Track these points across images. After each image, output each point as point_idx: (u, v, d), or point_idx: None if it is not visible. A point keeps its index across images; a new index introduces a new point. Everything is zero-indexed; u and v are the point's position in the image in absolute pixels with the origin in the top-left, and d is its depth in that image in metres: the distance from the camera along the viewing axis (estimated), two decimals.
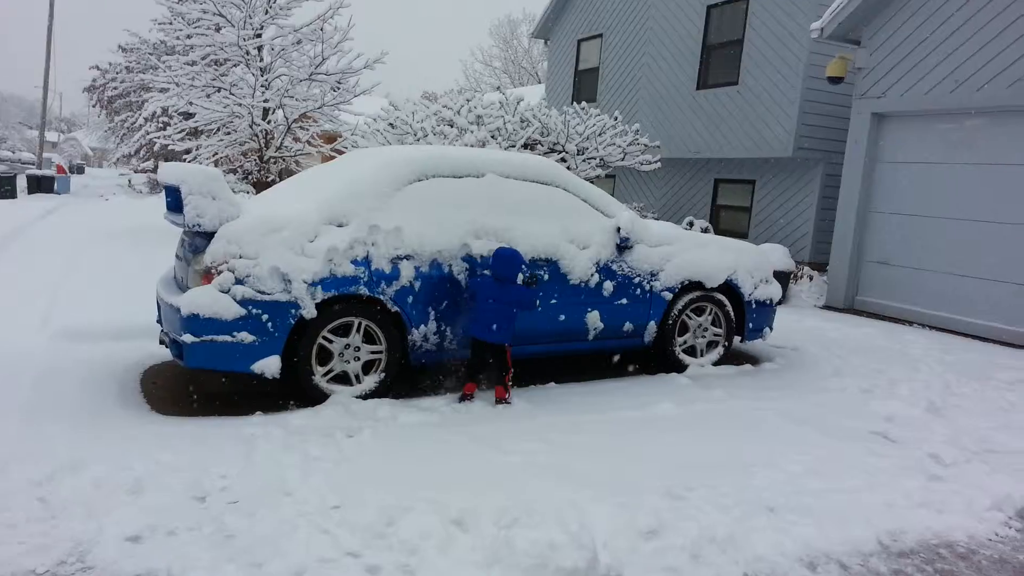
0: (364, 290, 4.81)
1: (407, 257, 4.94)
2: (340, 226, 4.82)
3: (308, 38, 14.27)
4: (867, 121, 9.40)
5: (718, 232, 13.79)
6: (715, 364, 6.09)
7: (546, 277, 5.38)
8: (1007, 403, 5.39)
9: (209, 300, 4.45)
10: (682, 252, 5.89)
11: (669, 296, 5.85)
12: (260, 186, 14.64)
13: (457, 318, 5.15)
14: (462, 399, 4.97)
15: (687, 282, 5.91)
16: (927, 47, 8.70)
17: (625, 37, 15.94)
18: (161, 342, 5.15)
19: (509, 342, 5.02)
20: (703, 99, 13.92)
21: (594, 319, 5.61)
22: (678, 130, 14.35)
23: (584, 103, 13.06)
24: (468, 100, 12.09)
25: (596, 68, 17.01)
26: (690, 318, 6.03)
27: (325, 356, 4.84)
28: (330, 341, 4.81)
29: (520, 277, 5.04)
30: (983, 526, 3.37)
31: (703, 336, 6.10)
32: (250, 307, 4.51)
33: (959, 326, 8.40)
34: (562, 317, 5.50)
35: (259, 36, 13.90)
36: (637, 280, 5.74)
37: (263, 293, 4.54)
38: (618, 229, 5.63)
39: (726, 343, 6.19)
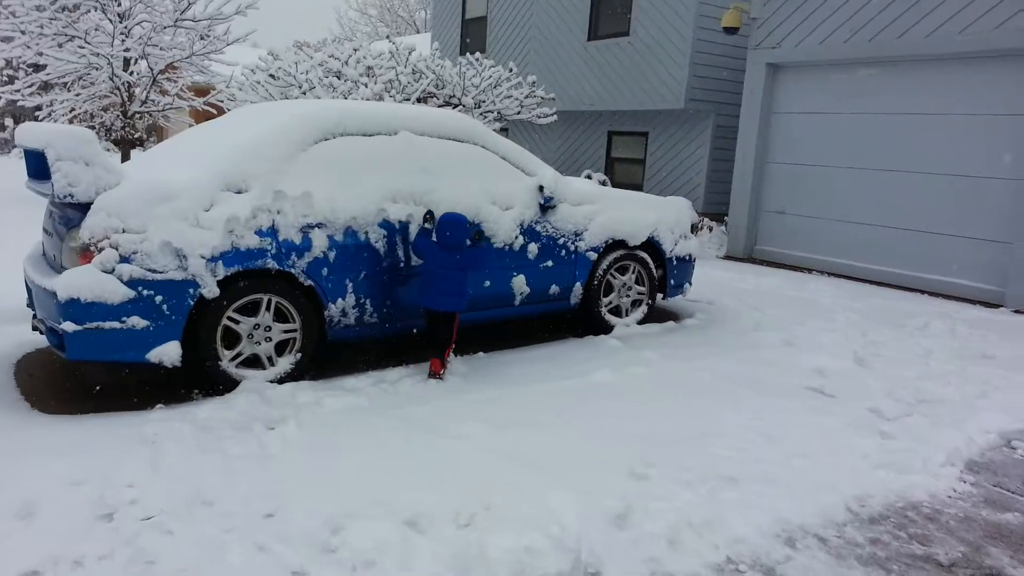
0: (272, 263, 4.31)
1: (319, 225, 4.47)
2: (239, 192, 4.28)
3: None
4: (762, 72, 9.46)
5: (615, 185, 13.75)
6: (640, 323, 5.96)
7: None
8: (923, 350, 5.53)
9: (90, 282, 3.85)
10: (605, 210, 5.67)
11: (594, 256, 5.63)
12: (124, 144, 13.39)
13: (377, 290, 4.73)
14: (431, 377, 4.61)
15: (611, 241, 5.70)
16: None
17: None
18: (35, 328, 4.49)
19: (463, 309, 4.71)
20: (595, 50, 13.70)
21: (520, 283, 5.32)
22: (571, 82, 14.10)
23: (477, 54, 12.58)
24: (356, 50, 11.38)
25: (484, 17, 16.45)
26: (614, 278, 5.84)
27: (232, 339, 4.33)
28: (236, 322, 4.31)
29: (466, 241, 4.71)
30: (941, 483, 3.36)
31: (627, 295, 5.94)
32: (140, 288, 3.95)
33: (857, 272, 8.67)
34: (487, 283, 5.17)
35: None
36: (562, 241, 5.48)
37: (155, 272, 3.98)
38: (540, 188, 5.33)
39: (649, 301, 6.06)
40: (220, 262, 4.13)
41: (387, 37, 11.65)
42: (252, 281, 4.30)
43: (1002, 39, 7.23)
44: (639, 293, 6.00)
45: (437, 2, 18.05)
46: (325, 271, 4.51)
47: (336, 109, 4.76)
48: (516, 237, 5.24)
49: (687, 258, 6.25)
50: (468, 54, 12.98)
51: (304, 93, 10.70)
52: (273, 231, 4.32)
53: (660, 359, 5.02)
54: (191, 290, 4.07)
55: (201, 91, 15.17)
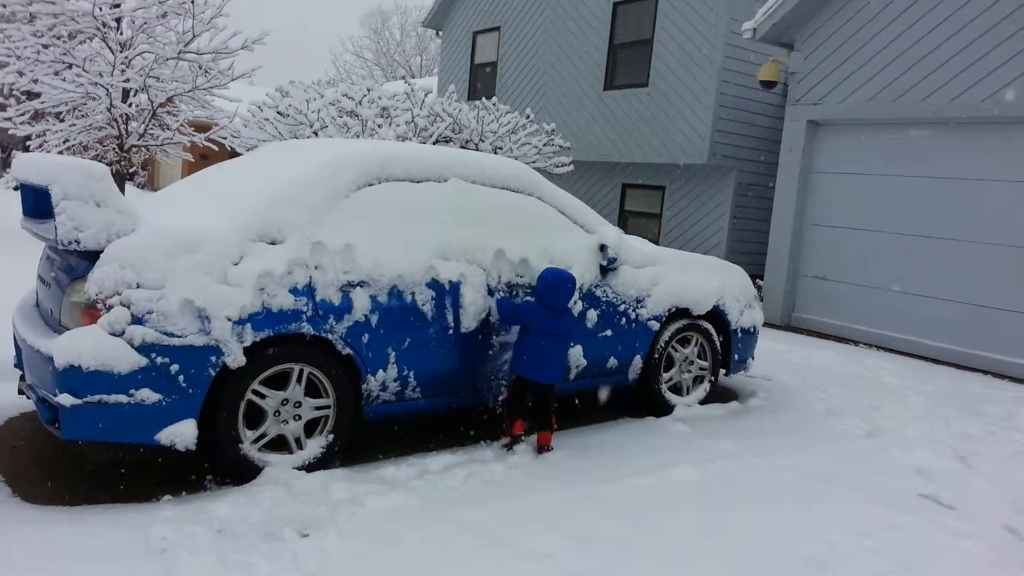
0: (307, 327, 3.67)
1: (360, 284, 3.84)
2: (273, 243, 3.66)
3: (175, 11, 12.53)
4: (802, 129, 9.03)
5: None
6: (701, 403, 5.33)
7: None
8: (1021, 446, 4.93)
9: (95, 346, 3.20)
10: (668, 274, 5.08)
11: (656, 326, 5.02)
12: (118, 178, 12.74)
13: (423, 360, 4.09)
14: (511, 444, 4.23)
15: (674, 309, 5.10)
16: (869, 51, 8.38)
17: (525, 32, 15.14)
18: (21, 392, 3.81)
19: (560, 380, 4.35)
20: (611, 100, 13.32)
21: (577, 355, 4.70)
22: (584, 131, 13.68)
23: (493, 99, 12.14)
24: (370, 90, 10.89)
25: (494, 63, 16.11)
26: (676, 350, 5.23)
27: (255, 416, 3.67)
28: (262, 396, 3.65)
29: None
30: None
31: (688, 371, 5.32)
32: (154, 355, 3.29)
33: (906, 346, 8.12)
34: None
35: (117, 7, 12.04)
36: (623, 308, 4.88)
37: (172, 336, 3.32)
38: (602, 247, 4.74)
39: (712, 378, 5.44)
40: (249, 325, 3.49)
41: (403, 78, 11.22)
42: (283, 348, 3.65)
43: None
44: (701, 368, 5.38)
45: (445, 46, 17.74)
46: (366, 337, 3.87)
47: (382, 151, 4.17)
48: (575, 302, 4.63)
49: (751, 330, 5.66)
50: (477, 99, 12.53)
51: (316, 132, 10.15)
52: (310, 290, 3.69)
53: (738, 452, 4.38)
54: (213, 358, 3.42)
55: (201, 127, 14.61)
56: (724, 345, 5.48)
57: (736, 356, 5.57)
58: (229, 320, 3.44)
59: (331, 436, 3.86)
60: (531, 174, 4.68)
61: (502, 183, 4.52)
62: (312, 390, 3.82)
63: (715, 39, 11.35)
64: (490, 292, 4.26)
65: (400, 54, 44.89)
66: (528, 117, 11.82)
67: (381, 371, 3.96)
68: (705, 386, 5.40)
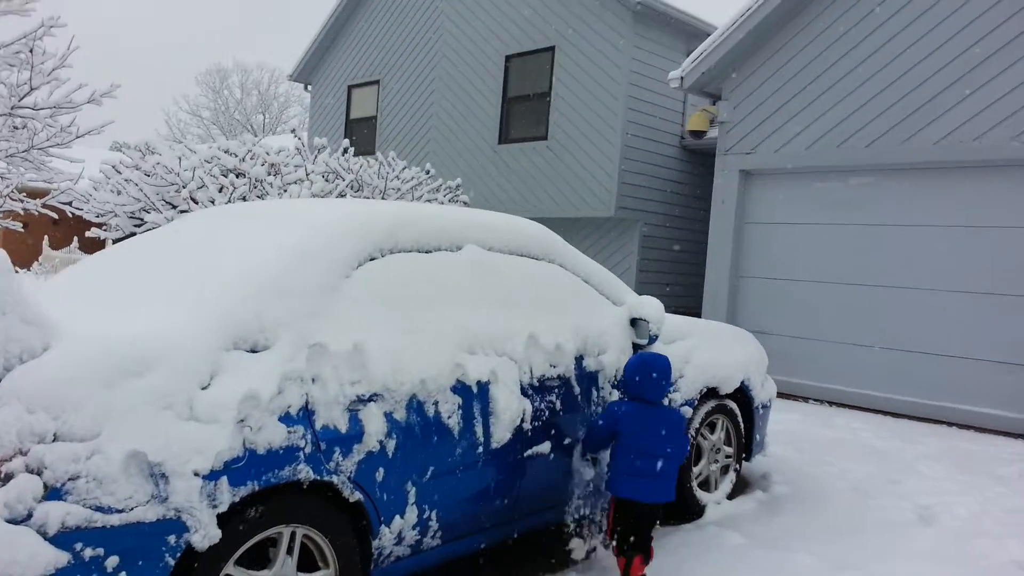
0: (305, 470, 2.53)
1: (372, 398, 2.74)
2: (254, 351, 2.51)
3: (8, 62, 10.69)
4: (735, 179, 8.65)
5: None
6: (729, 497, 4.51)
7: (559, 406, 3.45)
8: None
9: None
10: (698, 349, 4.26)
11: (688, 412, 4.17)
12: None
13: (446, 492, 3.01)
14: None
15: (705, 390, 4.28)
16: (805, 99, 8.12)
17: (409, 85, 14.28)
18: None
19: (674, 496, 3.34)
20: (507, 154, 12.66)
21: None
22: (480, 187, 12.90)
23: (365, 157, 11.14)
24: (254, 145, 9.58)
25: (374, 117, 15.10)
26: (704, 438, 4.40)
27: None
28: None
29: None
30: None
31: (715, 460, 4.49)
32: (81, 546, 2.07)
33: (860, 400, 7.75)
34: (576, 464, 3.57)
35: None
36: None
37: (110, 512, 2.11)
38: (634, 322, 3.87)
39: (737, 467, 4.65)
40: (225, 479, 2.32)
41: (292, 131, 9.94)
42: (269, 506, 2.48)
43: (1020, 150, 6.77)
44: (727, 456, 4.57)
45: (315, 101, 16.55)
46: (380, 473, 2.76)
47: (387, 212, 3.12)
48: (611, 394, 3.71)
49: (768, 404, 4.93)
50: (355, 156, 11.46)
51: (192, 198, 8.71)
52: (307, 414, 2.55)
53: (824, 567, 3.57)
54: (172, 538, 2.22)
55: (34, 193, 12.54)
56: (746, 426, 4.72)
57: (758, 437, 4.82)
58: (197, 476, 2.25)
59: None
60: (551, 236, 3.76)
61: (521, 249, 3.56)
62: (307, 559, 2.65)
63: (617, 92, 10.99)
64: (523, 391, 3.26)
65: (241, 112, 42.79)
66: (428, 172, 10.90)
67: (398, 517, 2.85)
68: (731, 477, 4.59)
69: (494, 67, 12.76)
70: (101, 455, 2.11)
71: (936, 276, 7.39)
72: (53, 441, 2.07)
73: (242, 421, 2.37)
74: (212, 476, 2.28)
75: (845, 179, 8.00)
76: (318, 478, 2.56)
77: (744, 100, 8.64)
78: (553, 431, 3.41)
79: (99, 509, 2.10)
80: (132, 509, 2.15)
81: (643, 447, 3.24)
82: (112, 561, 2.12)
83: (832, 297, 8.04)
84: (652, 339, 3.82)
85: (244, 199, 8.61)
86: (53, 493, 2.04)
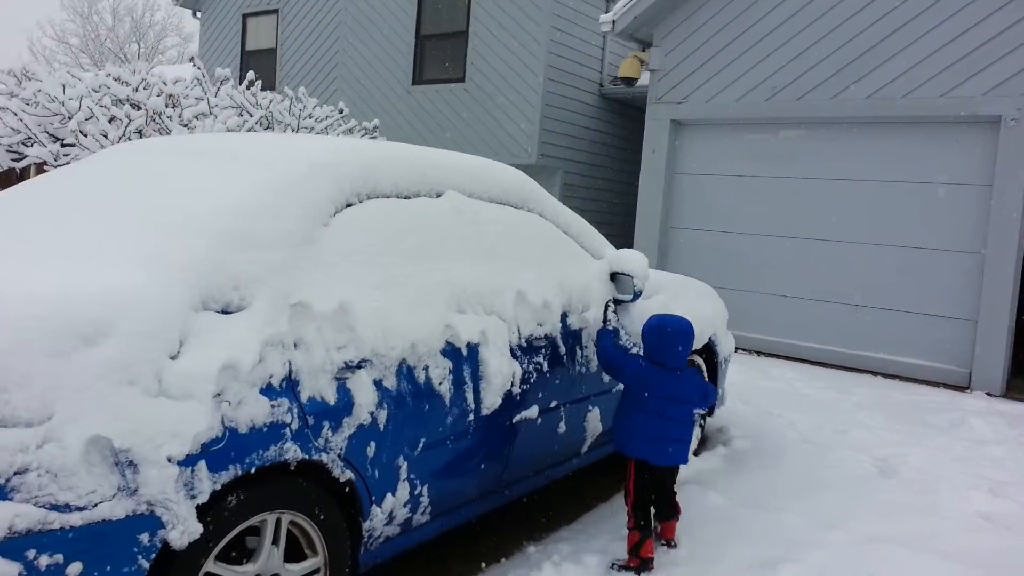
0: (293, 449, 2.18)
1: (361, 364, 2.40)
2: (227, 311, 2.12)
3: None
4: (665, 128, 8.52)
5: None
6: (695, 453, 4.42)
7: (545, 368, 3.19)
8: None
9: None
10: (671, 305, 4.08)
11: None
12: None
13: (437, 464, 2.72)
14: (641, 569, 3.05)
15: None
16: (737, 49, 8.02)
17: (312, 17, 13.40)
18: None
19: (686, 459, 3.25)
20: (422, 96, 12.14)
21: (594, 420, 3.56)
22: (394, 130, 12.32)
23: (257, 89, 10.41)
24: (147, 73, 8.68)
25: (273, 50, 14.14)
26: None
27: None
28: None
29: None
30: None
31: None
32: (33, 553, 1.68)
33: (786, 349, 7.88)
34: (562, 428, 3.35)
35: None
36: (635, 351, 3.81)
37: (67, 510, 1.72)
38: (613, 276, 3.64)
39: (702, 423, 4.55)
40: (203, 464, 1.95)
41: (191, 60, 9.05)
42: (252, 492, 2.12)
43: (950, 107, 6.89)
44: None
45: (205, 29, 15.34)
46: (371, 448, 2.44)
47: (358, 152, 2.72)
48: (594, 353, 3.49)
49: (728, 358, 4.84)
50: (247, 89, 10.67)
51: (81, 129, 7.80)
52: (291, 386, 2.20)
53: (807, 526, 3.51)
54: (146, 536, 1.85)
55: None
56: (711, 380, 4.61)
57: (720, 391, 4.73)
58: (172, 462, 1.87)
59: None
60: (531, 183, 3.45)
61: (502, 196, 3.24)
62: (293, 546, 2.31)
63: (539, 35, 10.66)
64: (511, 353, 2.98)
65: (113, 41, 39.63)
66: (341, 112, 10.27)
67: (390, 495, 2.54)
68: (697, 433, 4.48)
69: (407, 4, 12.12)
70: (55, 443, 1.71)
71: (862, 229, 7.53)
72: None
73: (219, 395, 1.99)
74: (188, 462, 1.91)
75: (775, 131, 8.00)
76: (306, 457, 2.22)
77: (676, 48, 8.47)
78: (541, 394, 3.15)
79: (55, 508, 1.70)
80: (96, 505, 1.76)
81: (661, 410, 3.07)
82: (74, 569, 1.74)
83: (762, 249, 8.09)
84: (636, 295, 3.60)
85: (140, 134, 7.83)
86: None
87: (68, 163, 7.52)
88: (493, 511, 3.24)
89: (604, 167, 12.05)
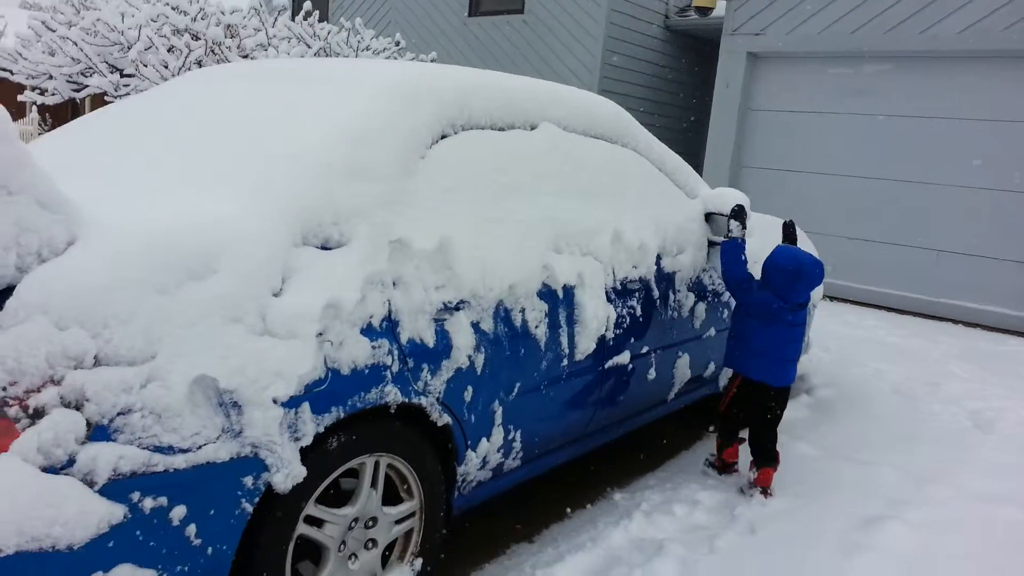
0: (393, 392, 2.08)
1: (459, 306, 2.27)
2: (326, 247, 2.00)
3: None
4: (742, 61, 8.11)
5: None
6: None
7: (638, 312, 3.03)
8: None
9: (12, 499, 1.47)
10: (765, 246, 3.85)
11: None
12: None
13: (531, 409, 2.61)
14: (724, 470, 3.39)
15: None
16: None
17: None
18: None
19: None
20: (478, 28, 11.77)
21: (683, 367, 3.41)
22: (450, 64, 12.00)
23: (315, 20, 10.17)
24: (203, 4, 8.52)
25: None
26: None
27: (304, 558, 2.07)
28: (319, 524, 2.03)
29: None
30: None
31: None
32: (138, 496, 1.61)
33: (864, 296, 7.58)
34: (651, 374, 3.20)
35: None
36: (725, 297, 3.63)
37: (172, 452, 1.64)
38: (708, 217, 3.44)
39: None
40: (307, 406, 1.86)
41: None
42: (351, 434, 2.03)
43: None
44: None
45: None
46: (469, 392, 2.33)
47: (452, 79, 2.54)
48: (688, 297, 3.32)
49: (816, 305, 4.62)
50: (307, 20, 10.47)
51: (141, 60, 7.70)
52: (391, 326, 2.08)
53: (914, 484, 3.33)
54: (250, 479, 1.77)
55: None
56: None
57: (809, 335, 4.54)
58: (276, 403, 1.78)
59: (419, 561, 2.31)
60: (627, 117, 3.25)
61: (597, 130, 3.04)
62: (389, 490, 2.24)
63: None
64: (606, 296, 2.83)
65: None
66: (398, 44, 10.02)
67: (484, 440, 2.44)
68: None
69: None
70: (159, 382, 1.62)
71: (950, 172, 7.11)
72: (94, 366, 1.56)
73: (321, 335, 1.89)
74: (292, 403, 1.82)
75: (860, 66, 7.54)
76: (406, 400, 2.11)
77: None
78: (633, 340, 3.00)
79: (159, 450, 1.63)
80: (200, 448, 1.68)
81: (781, 339, 3.15)
82: (178, 512, 1.67)
83: (839, 190, 7.73)
84: (737, 240, 3.39)
85: (200, 64, 7.72)
86: (99, 432, 1.56)
87: (128, 94, 7.47)
88: (578, 458, 3.13)
89: (669, 104, 11.62)
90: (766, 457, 3.21)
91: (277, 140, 2.14)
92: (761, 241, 3.83)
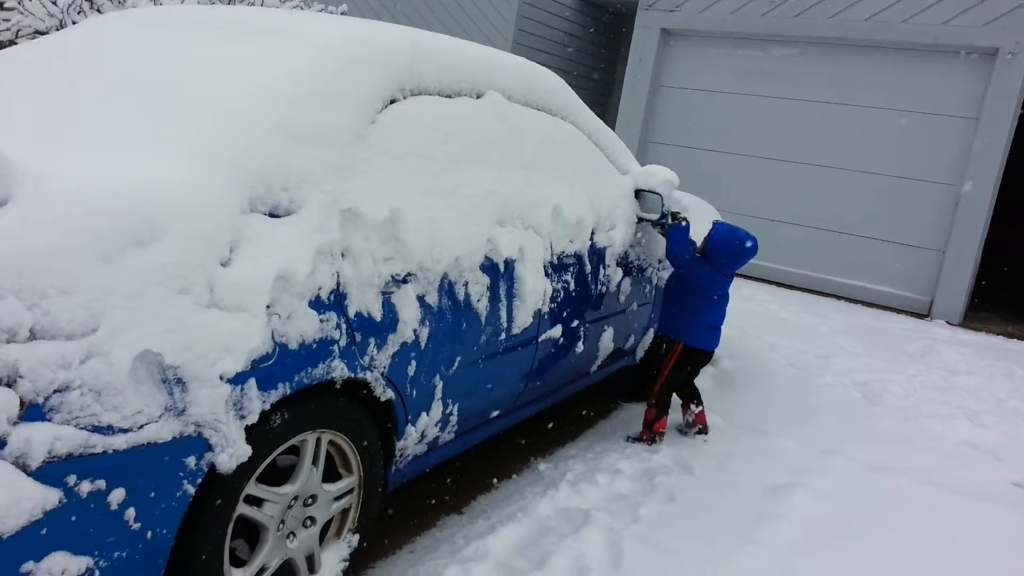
0: (340, 367, 2.01)
1: (406, 279, 2.21)
2: (274, 215, 1.89)
3: None
4: (655, 38, 8.20)
5: None
6: None
7: (572, 287, 3.05)
8: (995, 399, 4.72)
9: None
10: (692, 224, 3.96)
11: None
12: None
13: (468, 382, 2.59)
14: (651, 441, 3.52)
15: None
16: None
17: None
18: None
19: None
20: None
21: (607, 340, 3.47)
22: (356, 16, 11.61)
23: None
24: None
25: None
26: None
27: (242, 537, 1.99)
28: (259, 503, 1.95)
29: None
30: None
31: None
32: (75, 479, 1.49)
33: (759, 271, 7.91)
34: (580, 347, 3.24)
35: None
36: (648, 272, 3.71)
37: (111, 432, 1.53)
38: (638, 194, 3.49)
39: None
40: (253, 383, 1.77)
41: None
42: (295, 410, 1.96)
43: (949, 35, 6.79)
44: None
45: None
46: (412, 367, 2.29)
47: (402, 40, 2.43)
48: (614, 272, 3.36)
49: None
50: None
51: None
52: (339, 299, 2.01)
53: (815, 454, 3.55)
54: (192, 460, 1.68)
55: None
56: None
57: None
58: (223, 380, 1.69)
59: (355, 537, 2.28)
60: (567, 88, 3.22)
61: (539, 101, 2.99)
62: (328, 466, 2.17)
63: None
64: (543, 270, 2.83)
65: None
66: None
67: (424, 415, 2.41)
68: None
69: None
70: (100, 358, 1.50)
71: (846, 155, 7.49)
72: (29, 339, 1.43)
73: (272, 310, 1.80)
74: (238, 379, 1.73)
75: (769, 49, 7.79)
76: (352, 375, 2.05)
77: None
78: (565, 313, 3.02)
79: (98, 430, 1.51)
80: (142, 427, 1.57)
81: (717, 308, 3.48)
82: (117, 496, 1.56)
83: (742, 169, 8.01)
84: (664, 216, 3.46)
85: (92, 1, 7.13)
86: (33, 411, 1.43)
87: (7, 31, 6.81)
88: (506, 429, 3.15)
89: (581, 75, 11.64)
90: (697, 401, 3.65)
91: (220, 97, 2.00)
92: (691, 219, 3.93)
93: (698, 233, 3.96)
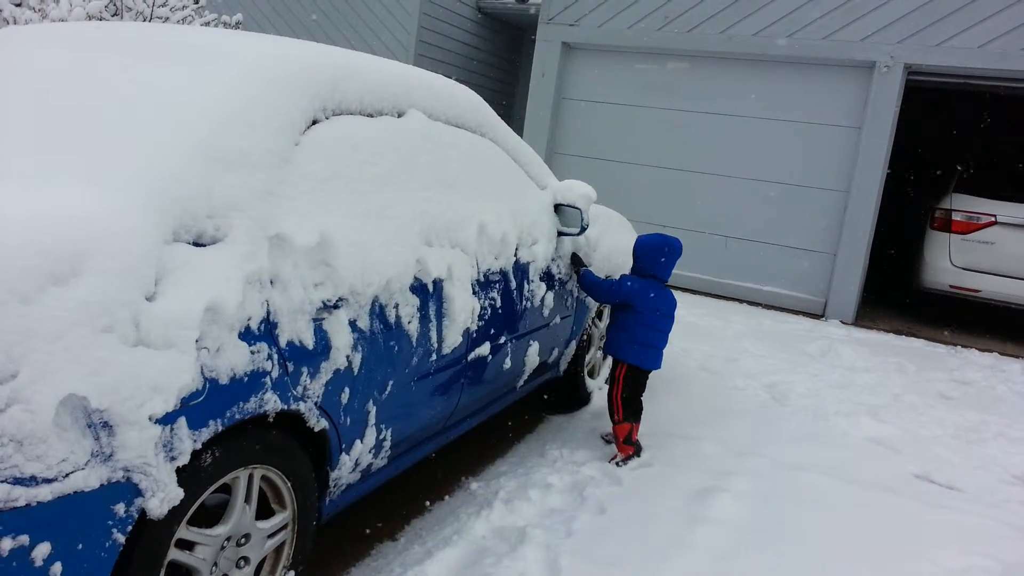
0: (274, 400, 1.94)
1: (338, 304, 2.16)
2: (199, 244, 1.81)
3: None
4: (556, 51, 8.32)
5: None
6: (606, 382, 4.47)
7: (498, 303, 3.05)
8: (892, 394, 4.98)
9: None
10: (604, 236, 4.04)
11: (592, 302, 3.98)
12: None
13: (401, 405, 2.55)
14: (636, 453, 3.54)
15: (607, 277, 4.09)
16: None
17: None
18: None
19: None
20: None
21: (533, 355, 3.47)
22: (249, 28, 11.29)
23: None
24: None
25: None
26: (595, 326, 4.26)
27: None
28: (190, 547, 1.86)
29: None
30: None
31: (599, 347, 4.41)
32: None
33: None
34: (507, 363, 3.24)
35: None
36: (570, 285, 3.74)
37: (35, 483, 1.43)
38: (558, 208, 3.53)
39: None
40: (183, 423, 1.69)
41: None
42: (227, 447, 1.88)
43: (830, 49, 7.17)
44: (603, 339, 4.48)
45: None
46: (345, 394, 2.23)
47: (323, 57, 2.37)
48: (539, 287, 3.38)
49: None
50: None
51: None
52: (269, 328, 1.94)
53: (732, 455, 3.66)
54: (121, 508, 1.59)
55: None
56: None
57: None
58: (152, 421, 1.60)
59: (291, 574, 2.20)
60: (485, 105, 3.21)
61: (459, 119, 2.98)
62: (262, 502, 2.09)
63: None
64: (471, 289, 2.82)
65: None
66: (197, 1, 9.24)
67: (358, 442, 2.36)
68: (608, 361, 4.55)
69: None
70: (21, 405, 1.40)
71: (738, 164, 7.78)
72: None
73: (201, 344, 1.72)
74: (167, 419, 1.65)
75: (664, 62, 8.03)
76: (285, 408, 1.98)
77: None
78: (493, 330, 3.02)
79: (20, 482, 1.41)
80: (67, 476, 1.48)
81: (654, 322, 3.47)
82: (42, 551, 1.46)
83: (642, 179, 8.20)
84: (583, 229, 3.51)
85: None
86: None
87: None
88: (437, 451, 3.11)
89: (484, 88, 11.69)
90: (639, 415, 3.60)
91: (137, 121, 1.90)
92: (602, 231, 4.02)
93: (616, 245, 4.07)
